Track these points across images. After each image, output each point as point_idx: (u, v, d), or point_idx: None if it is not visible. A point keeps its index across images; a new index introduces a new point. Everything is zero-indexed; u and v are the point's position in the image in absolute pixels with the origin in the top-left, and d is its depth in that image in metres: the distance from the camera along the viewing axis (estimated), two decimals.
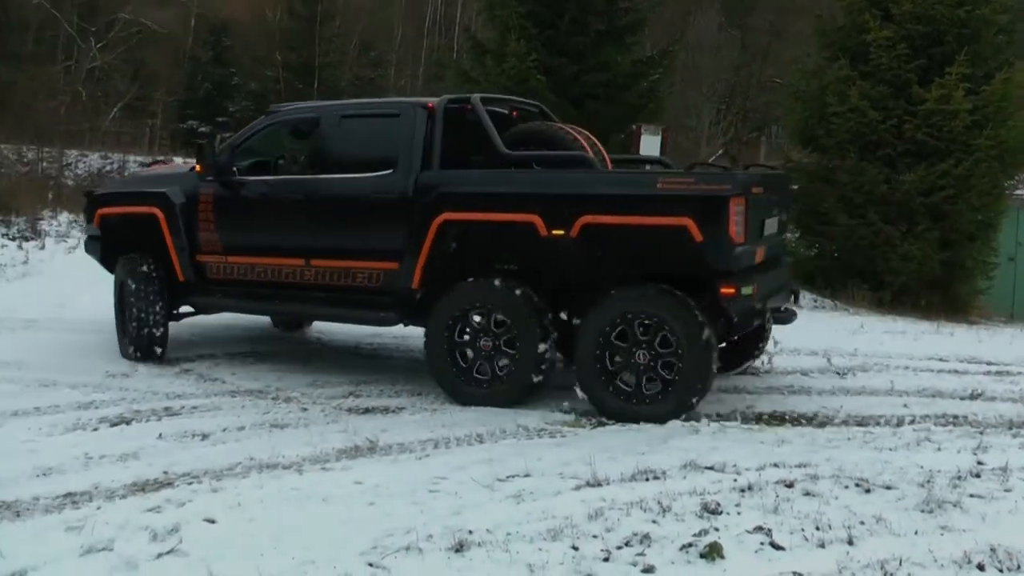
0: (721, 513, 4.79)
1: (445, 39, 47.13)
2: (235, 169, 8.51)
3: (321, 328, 10.47)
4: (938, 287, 14.41)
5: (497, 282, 7.34)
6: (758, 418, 7.22)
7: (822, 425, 7.08)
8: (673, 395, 6.90)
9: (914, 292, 14.04)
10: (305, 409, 7.33)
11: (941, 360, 9.62)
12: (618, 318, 6.98)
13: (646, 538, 4.47)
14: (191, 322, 9.85)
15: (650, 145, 14.55)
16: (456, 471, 5.61)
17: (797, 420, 7.24)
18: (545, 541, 4.44)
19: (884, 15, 14.55)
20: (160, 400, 7.49)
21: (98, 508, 5.07)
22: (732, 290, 6.76)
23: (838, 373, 8.85)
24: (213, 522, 4.81)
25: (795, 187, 8.92)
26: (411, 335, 8.86)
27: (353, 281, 7.94)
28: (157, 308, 8.73)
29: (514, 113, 8.64)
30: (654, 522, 4.68)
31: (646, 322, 6.92)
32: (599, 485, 5.28)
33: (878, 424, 7.09)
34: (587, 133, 8.27)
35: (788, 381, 8.49)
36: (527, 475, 5.53)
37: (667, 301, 6.87)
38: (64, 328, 9.98)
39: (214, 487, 5.35)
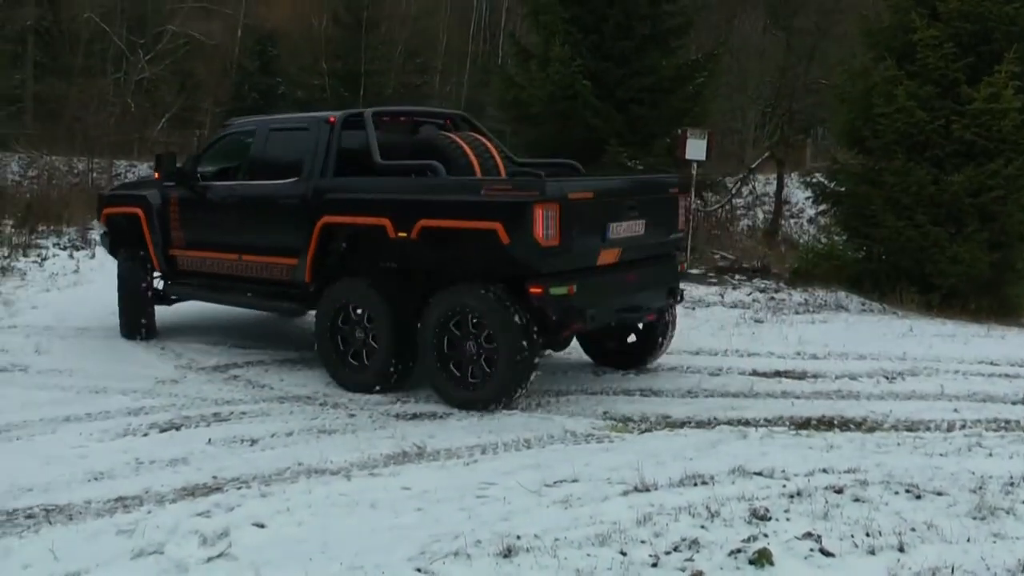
0: (770, 519, 4.76)
1: (490, 45, 47.11)
2: (199, 175, 9.54)
3: None
4: (988, 289, 14.17)
5: (357, 281, 8.14)
6: (807, 423, 7.18)
7: (871, 430, 7.02)
8: (493, 383, 7.43)
9: (963, 295, 13.81)
10: (353, 415, 7.39)
11: (992, 364, 9.48)
12: (446, 314, 7.58)
13: (694, 543, 4.45)
14: (239, 328, 9.94)
15: (696, 148, 14.52)
16: (504, 476, 5.63)
17: (846, 425, 7.18)
18: (593, 546, 4.44)
19: (931, 14, 14.33)
20: (209, 406, 7.58)
21: (149, 512, 5.14)
22: (539, 290, 7.23)
23: (887, 377, 8.76)
24: (262, 527, 4.87)
25: (676, 190, 8.51)
26: None
27: (270, 275, 8.88)
28: (143, 295, 10.05)
29: (447, 122, 9.34)
30: (703, 528, 4.67)
31: (469, 318, 7.50)
32: (647, 490, 5.27)
33: (928, 429, 7.03)
34: (483, 141, 8.76)
35: (836, 386, 8.42)
36: (575, 480, 5.53)
37: (483, 298, 7.39)
38: (114, 335, 10.11)
39: (263, 492, 5.41)
